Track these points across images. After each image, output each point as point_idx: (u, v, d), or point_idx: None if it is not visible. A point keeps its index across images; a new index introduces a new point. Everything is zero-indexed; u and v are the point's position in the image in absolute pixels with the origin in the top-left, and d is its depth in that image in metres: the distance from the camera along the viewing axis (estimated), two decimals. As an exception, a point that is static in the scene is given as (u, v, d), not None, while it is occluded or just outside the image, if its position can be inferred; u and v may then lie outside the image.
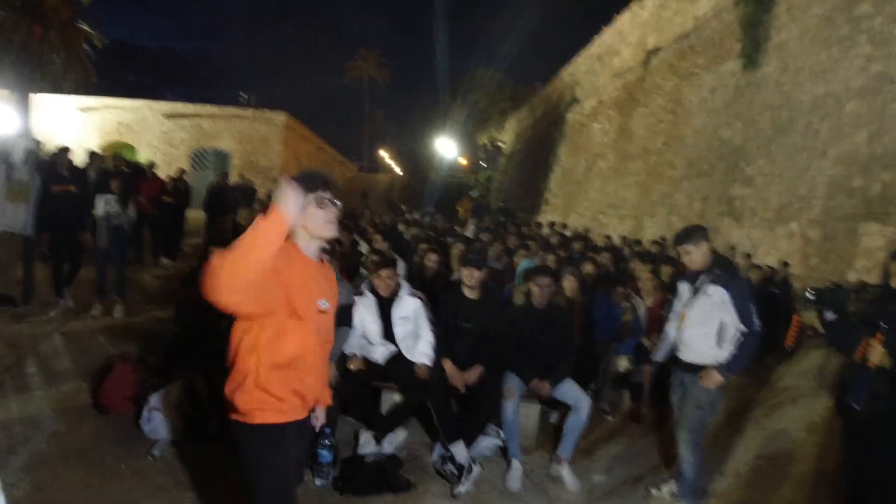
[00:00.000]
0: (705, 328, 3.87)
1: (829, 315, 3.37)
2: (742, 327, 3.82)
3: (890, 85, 9.72)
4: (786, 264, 9.58)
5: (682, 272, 8.44)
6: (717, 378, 3.81)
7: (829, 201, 10.62)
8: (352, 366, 4.41)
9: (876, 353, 3.05)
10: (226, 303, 2.03)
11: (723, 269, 3.91)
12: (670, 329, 4.18)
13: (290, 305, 2.25)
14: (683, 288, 4.11)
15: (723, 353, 3.86)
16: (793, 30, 12.72)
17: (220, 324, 5.12)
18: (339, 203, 2.37)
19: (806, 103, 11.86)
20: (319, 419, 2.70)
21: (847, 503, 3.45)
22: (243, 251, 1.97)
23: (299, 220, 2.25)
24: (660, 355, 4.28)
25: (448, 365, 4.49)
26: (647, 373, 4.32)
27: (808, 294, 3.47)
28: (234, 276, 1.97)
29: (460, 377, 4.45)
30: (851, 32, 10.87)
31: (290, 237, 2.27)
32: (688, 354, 4.00)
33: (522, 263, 6.60)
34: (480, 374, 4.48)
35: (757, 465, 4.75)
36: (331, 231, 2.38)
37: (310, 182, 2.32)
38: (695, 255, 3.90)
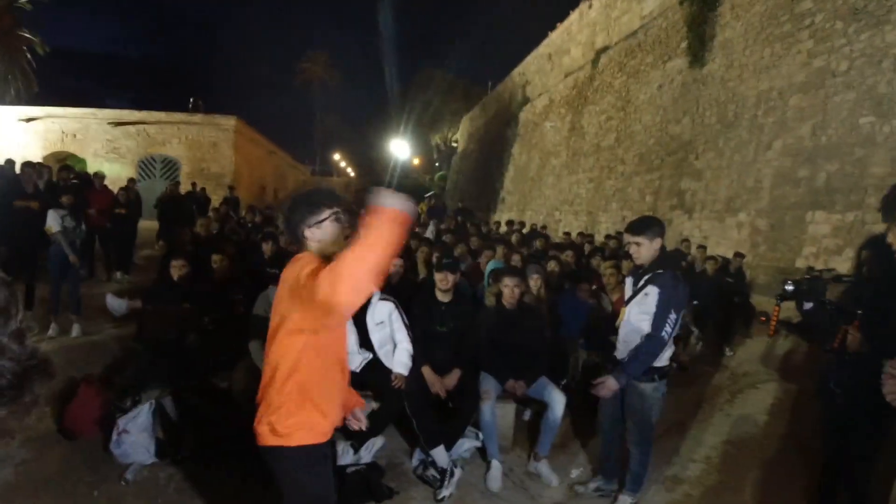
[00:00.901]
0: (641, 327, 3.74)
1: (807, 305, 3.45)
2: (648, 329, 3.68)
3: (832, 79, 10.12)
4: (740, 254, 9.88)
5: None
6: (612, 386, 3.70)
7: (776, 192, 11.00)
8: None
9: (854, 341, 3.15)
10: (347, 304, 1.96)
11: (666, 271, 3.77)
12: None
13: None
14: (629, 284, 3.97)
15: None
16: (736, 27, 13.12)
17: (186, 340, 5.04)
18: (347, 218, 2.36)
19: (751, 98, 12.25)
20: (361, 420, 2.70)
21: (823, 482, 3.59)
22: (376, 251, 1.92)
23: (315, 237, 2.27)
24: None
25: (427, 372, 4.49)
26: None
27: (786, 286, 3.53)
28: (362, 277, 1.92)
29: (440, 383, 4.45)
30: (793, 29, 11.27)
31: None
32: (624, 354, 3.86)
33: (490, 265, 6.66)
34: (459, 378, 4.50)
35: (726, 451, 4.91)
36: (344, 245, 2.34)
37: (324, 198, 2.32)
38: (644, 249, 3.73)
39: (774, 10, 11.92)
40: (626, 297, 3.93)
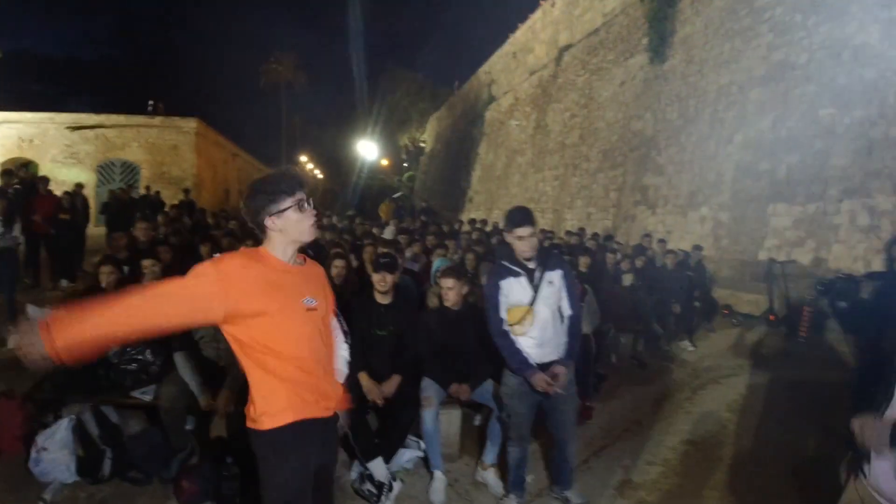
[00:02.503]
0: (556, 318, 3.54)
1: (841, 305, 3.26)
2: (569, 310, 3.57)
3: (791, 72, 10.09)
4: (698, 247, 9.76)
5: (602, 262, 8.48)
6: (564, 371, 3.45)
7: (738, 185, 10.95)
8: None
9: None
10: None
11: (548, 253, 3.63)
12: (514, 333, 3.52)
13: (261, 307, 2.13)
14: (511, 283, 3.52)
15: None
16: (696, 23, 13.10)
17: (108, 352, 4.67)
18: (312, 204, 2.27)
19: (711, 93, 12.21)
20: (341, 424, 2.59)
21: None
22: None
23: (276, 226, 2.18)
24: (524, 365, 3.52)
25: (364, 379, 4.16)
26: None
27: (817, 288, 3.34)
28: None
29: (378, 391, 4.12)
30: (753, 23, 11.24)
31: (262, 245, 2.24)
32: (549, 353, 3.53)
33: (436, 263, 6.41)
34: (398, 384, 4.21)
35: (685, 451, 4.71)
36: (311, 234, 2.29)
37: (285, 185, 2.21)
38: (535, 239, 3.49)
39: (734, 4, 11.90)
40: (512, 296, 3.52)
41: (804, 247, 9.16)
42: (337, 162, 44.29)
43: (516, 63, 25.01)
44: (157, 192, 15.70)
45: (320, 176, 54.12)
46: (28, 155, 25.30)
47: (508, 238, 3.53)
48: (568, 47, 19.84)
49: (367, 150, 37.02)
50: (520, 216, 3.48)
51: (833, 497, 3.75)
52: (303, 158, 59.06)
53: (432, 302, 4.44)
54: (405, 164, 45.62)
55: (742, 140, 11.03)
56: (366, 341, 4.26)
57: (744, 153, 10.93)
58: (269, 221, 2.18)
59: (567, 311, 3.58)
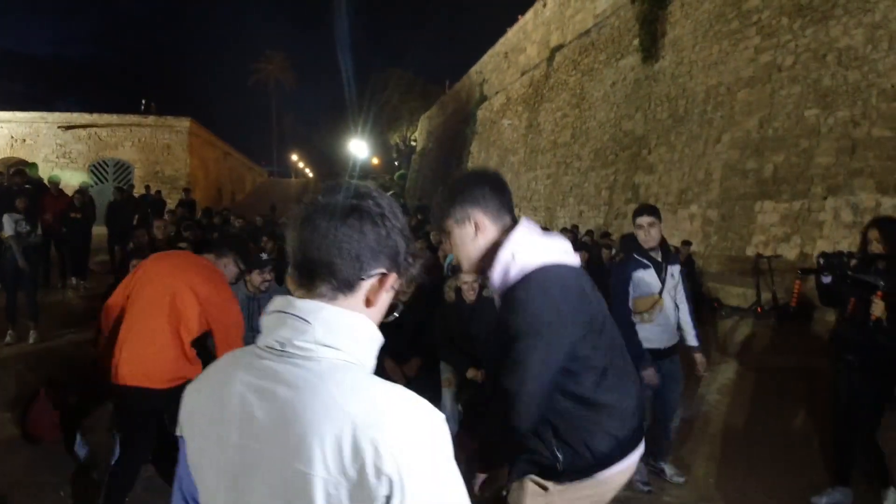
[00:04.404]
0: (674, 307, 3.88)
1: (826, 278, 3.62)
2: (685, 302, 3.95)
3: (778, 73, 10.46)
4: (687, 243, 10.13)
5: (597, 258, 8.83)
6: (704, 360, 4.03)
7: (726, 183, 11.33)
8: None
9: (878, 308, 3.30)
10: None
11: (666, 249, 3.94)
12: (643, 321, 3.81)
13: None
14: (641, 274, 3.82)
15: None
16: (686, 25, 13.46)
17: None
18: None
19: (700, 94, 12.58)
20: None
21: (838, 443, 3.76)
22: None
23: None
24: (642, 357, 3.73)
25: (387, 362, 4.52)
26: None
27: (819, 260, 3.70)
28: None
29: (400, 371, 4.50)
30: (741, 26, 11.62)
31: None
32: (669, 339, 3.91)
33: (450, 257, 6.74)
34: (418, 366, 4.56)
35: (679, 428, 5.05)
36: None
37: None
38: (656, 230, 3.79)
39: (723, 7, 12.26)
40: (649, 289, 3.81)
41: (790, 242, 9.54)
42: (328, 160, 44.48)
43: (508, 63, 25.34)
44: (159, 192, 15.89)
45: (311, 174, 54.26)
46: (20, 154, 25.19)
47: (635, 229, 3.87)
48: (560, 48, 20.18)
49: (358, 148, 37.22)
50: (642, 207, 3.89)
51: (811, 469, 4.16)
52: (293, 157, 59.22)
53: (449, 297, 4.73)
54: (396, 163, 45.86)
55: (730, 139, 11.41)
56: (386, 327, 4.58)
57: (732, 152, 11.30)
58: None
59: (682, 303, 3.93)
